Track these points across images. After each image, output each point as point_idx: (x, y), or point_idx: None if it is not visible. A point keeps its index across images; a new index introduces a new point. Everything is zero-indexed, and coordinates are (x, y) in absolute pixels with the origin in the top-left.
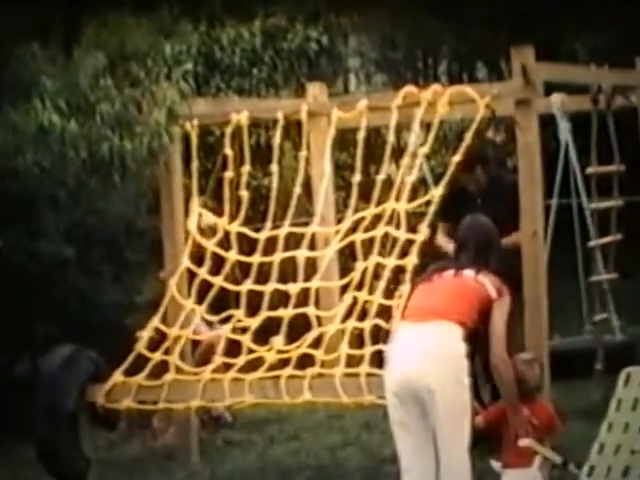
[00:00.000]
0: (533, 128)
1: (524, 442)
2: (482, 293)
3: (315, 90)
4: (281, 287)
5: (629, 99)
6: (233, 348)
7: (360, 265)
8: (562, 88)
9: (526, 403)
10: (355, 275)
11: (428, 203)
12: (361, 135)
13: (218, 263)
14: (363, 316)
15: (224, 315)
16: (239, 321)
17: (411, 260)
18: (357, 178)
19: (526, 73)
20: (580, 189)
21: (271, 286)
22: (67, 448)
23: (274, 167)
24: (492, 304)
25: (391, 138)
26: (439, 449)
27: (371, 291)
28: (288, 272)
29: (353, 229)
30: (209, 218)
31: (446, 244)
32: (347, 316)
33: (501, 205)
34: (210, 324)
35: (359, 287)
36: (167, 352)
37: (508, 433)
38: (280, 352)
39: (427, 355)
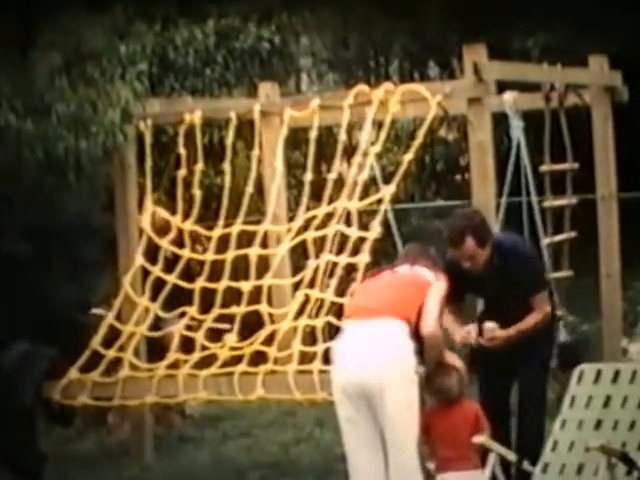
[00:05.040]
0: (485, 126)
1: (478, 439)
2: (421, 282)
3: (267, 89)
4: (234, 284)
5: (582, 97)
6: (186, 345)
7: (312, 263)
8: (514, 86)
9: (450, 407)
10: (307, 273)
11: (380, 201)
12: (313, 134)
13: (172, 260)
14: (315, 313)
15: (178, 312)
16: (193, 319)
17: (363, 258)
18: (309, 177)
19: (478, 71)
20: (530, 187)
21: (224, 283)
22: (23, 444)
23: (226, 166)
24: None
25: (343, 137)
26: (388, 446)
27: (323, 289)
28: (240, 270)
29: (305, 227)
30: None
31: (453, 326)
32: (299, 313)
33: (518, 278)
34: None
35: (311, 285)
36: (121, 349)
37: (445, 435)
38: (233, 349)
39: (376, 353)
